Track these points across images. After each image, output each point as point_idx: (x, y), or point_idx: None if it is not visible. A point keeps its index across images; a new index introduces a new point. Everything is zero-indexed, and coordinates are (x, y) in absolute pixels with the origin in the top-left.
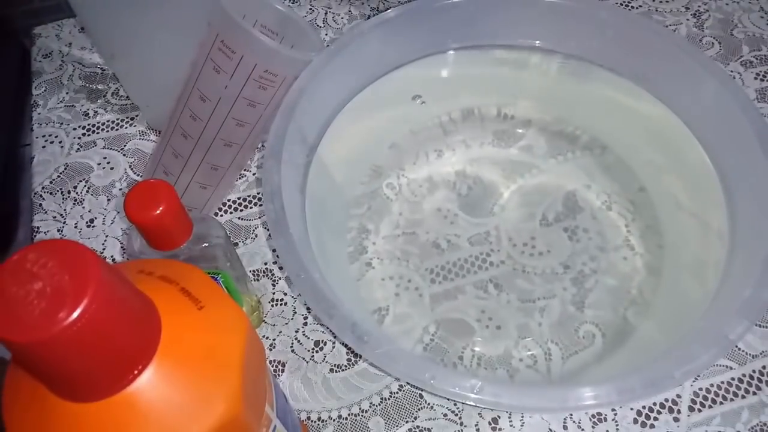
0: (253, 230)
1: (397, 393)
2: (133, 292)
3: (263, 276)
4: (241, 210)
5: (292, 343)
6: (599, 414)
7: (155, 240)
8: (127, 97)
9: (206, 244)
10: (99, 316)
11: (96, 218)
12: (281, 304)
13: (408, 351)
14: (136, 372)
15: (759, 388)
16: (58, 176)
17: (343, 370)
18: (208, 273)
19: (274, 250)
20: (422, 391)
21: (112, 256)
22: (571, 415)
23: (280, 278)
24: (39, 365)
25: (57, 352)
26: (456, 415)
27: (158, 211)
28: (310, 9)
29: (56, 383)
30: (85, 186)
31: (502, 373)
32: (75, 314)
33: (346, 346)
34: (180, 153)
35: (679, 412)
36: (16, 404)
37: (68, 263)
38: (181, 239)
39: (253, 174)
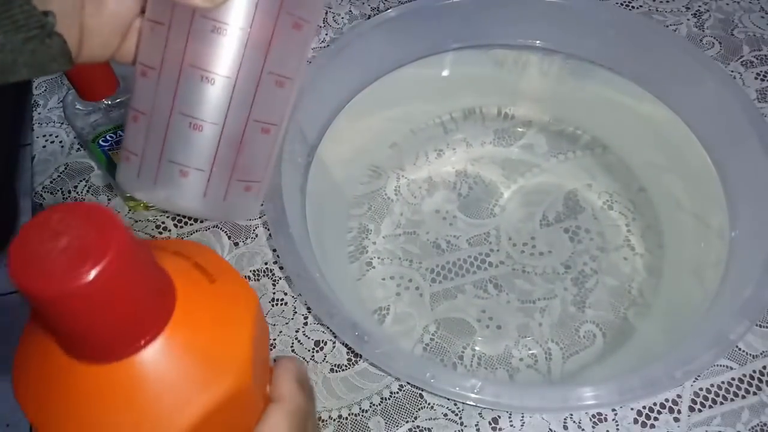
0: (253, 230)
1: (398, 393)
2: (151, 259)
3: (263, 276)
4: None
5: (293, 343)
6: (599, 414)
7: (84, 89)
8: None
9: (130, 95)
10: (120, 274)
11: None
12: (281, 304)
13: (408, 351)
14: (149, 337)
15: (759, 388)
16: (59, 176)
17: (343, 370)
18: None
19: (274, 250)
20: (422, 390)
21: None
22: (572, 415)
23: (280, 278)
24: (58, 321)
25: (78, 308)
26: (456, 414)
27: None
28: None
29: (72, 342)
30: (85, 185)
31: (503, 372)
32: (98, 269)
33: (346, 345)
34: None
35: (679, 412)
36: (28, 363)
37: (93, 223)
38: (109, 90)
39: None
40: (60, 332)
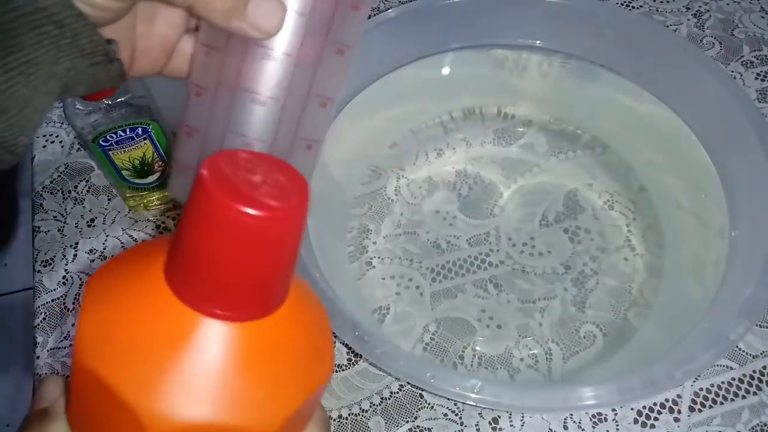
0: None
1: (398, 393)
2: None
3: None
4: None
5: None
6: (600, 414)
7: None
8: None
9: (131, 94)
10: (302, 221)
11: (96, 218)
12: None
13: (408, 351)
14: (275, 306)
15: (759, 389)
16: (59, 176)
17: (343, 370)
18: (139, 122)
19: None
20: (423, 390)
21: (113, 256)
22: (572, 415)
23: None
24: (230, 258)
25: (264, 242)
26: (456, 414)
27: None
28: None
29: (220, 290)
30: (85, 185)
31: (503, 372)
32: (302, 203)
33: (346, 345)
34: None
35: (679, 412)
36: (120, 306)
37: (281, 170)
38: (109, 90)
39: None
40: (217, 274)
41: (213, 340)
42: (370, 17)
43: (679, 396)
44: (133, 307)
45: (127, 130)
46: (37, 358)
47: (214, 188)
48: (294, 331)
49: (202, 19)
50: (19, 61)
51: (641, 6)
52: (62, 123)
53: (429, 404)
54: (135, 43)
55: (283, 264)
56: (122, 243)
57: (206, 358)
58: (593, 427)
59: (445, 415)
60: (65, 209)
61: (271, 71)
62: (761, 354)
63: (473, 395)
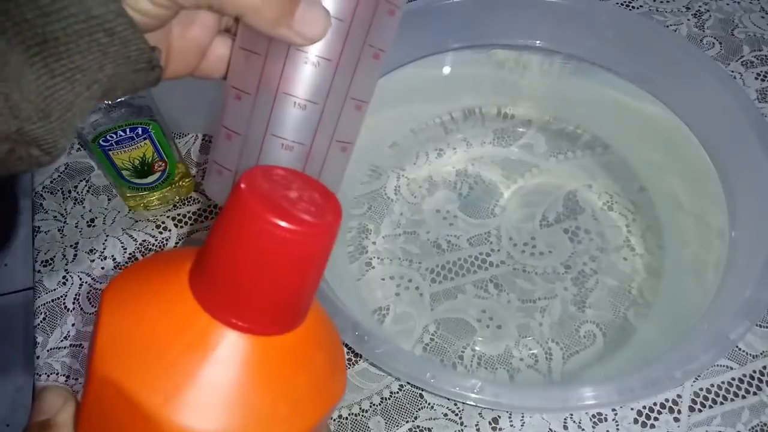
0: None
1: (398, 393)
2: None
3: None
4: None
5: None
6: (600, 414)
7: None
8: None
9: (131, 94)
10: (334, 237)
11: (96, 218)
12: None
13: (408, 351)
14: (298, 323)
15: (759, 388)
16: (59, 176)
17: None
18: (139, 122)
19: None
20: (422, 390)
21: (112, 256)
22: (572, 414)
23: None
24: (264, 273)
25: (297, 258)
26: (456, 414)
27: None
28: None
29: (250, 302)
30: (85, 185)
31: (503, 372)
32: (336, 220)
33: (346, 345)
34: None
35: (679, 412)
36: (142, 314)
37: (316, 188)
38: None
39: None
40: (248, 288)
41: (238, 353)
42: None
43: (679, 396)
44: (156, 315)
45: (127, 130)
46: (37, 358)
47: (254, 202)
48: (314, 347)
49: (248, 26)
50: (66, 68)
51: (641, 6)
52: None
53: (429, 404)
54: (170, 46)
55: (312, 281)
56: (122, 243)
57: (230, 371)
58: (593, 427)
59: (445, 415)
60: (65, 209)
61: (311, 75)
62: (761, 354)
63: (473, 395)
